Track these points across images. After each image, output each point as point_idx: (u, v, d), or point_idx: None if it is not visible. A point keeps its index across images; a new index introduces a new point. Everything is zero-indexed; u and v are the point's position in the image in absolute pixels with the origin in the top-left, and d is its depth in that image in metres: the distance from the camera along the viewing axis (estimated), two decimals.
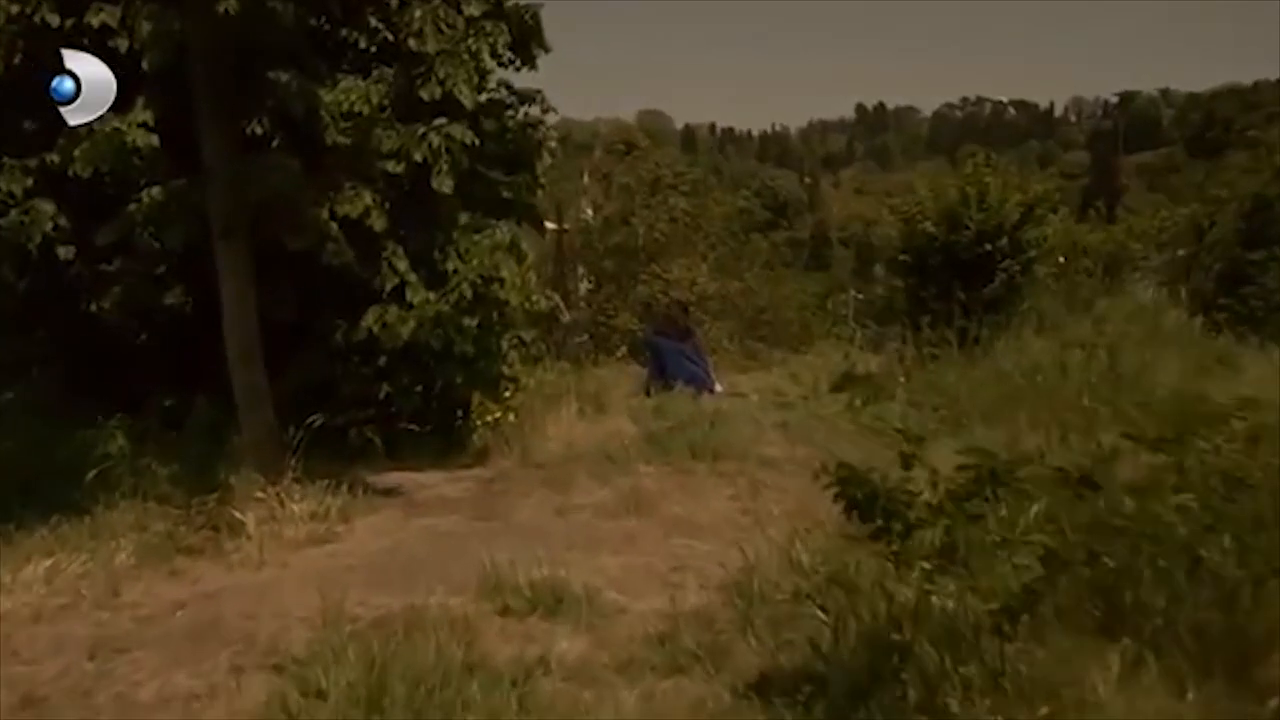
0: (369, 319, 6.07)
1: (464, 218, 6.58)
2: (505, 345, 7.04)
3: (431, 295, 6.20)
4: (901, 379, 6.98)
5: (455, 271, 6.30)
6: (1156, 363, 5.68)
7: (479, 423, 6.06)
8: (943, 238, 7.87)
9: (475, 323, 6.23)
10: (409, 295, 6.21)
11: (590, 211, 23.38)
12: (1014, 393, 5.67)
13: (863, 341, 12.15)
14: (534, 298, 7.27)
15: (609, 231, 22.00)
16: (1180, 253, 13.10)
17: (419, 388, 6.44)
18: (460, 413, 6.30)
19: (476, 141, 6.34)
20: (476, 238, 6.52)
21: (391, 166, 6.22)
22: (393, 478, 5.55)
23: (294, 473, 4.76)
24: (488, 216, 7.07)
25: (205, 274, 5.60)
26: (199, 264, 5.65)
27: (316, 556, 4.20)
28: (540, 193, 7.87)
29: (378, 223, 6.01)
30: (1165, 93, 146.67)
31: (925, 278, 8.00)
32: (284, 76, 5.51)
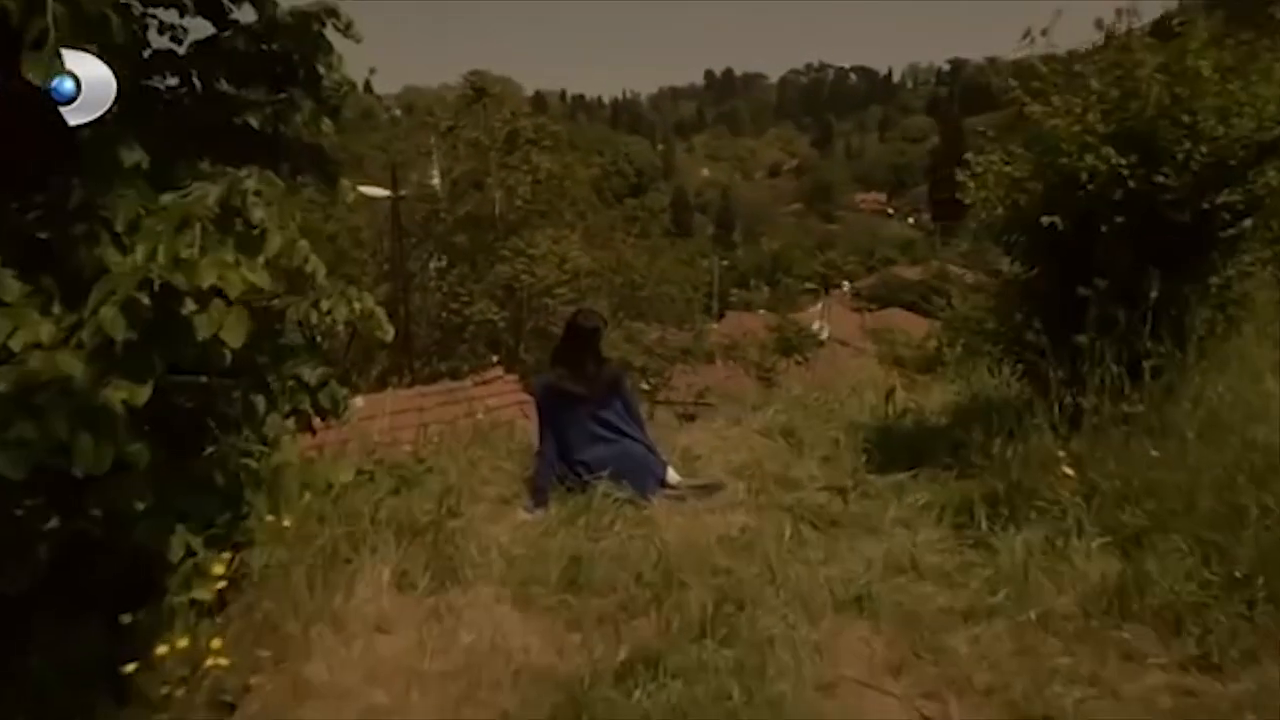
0: None
1: (133, 156, 3.10)
2: (263, 409, 3.67)
3: (47, 330, 2.74)
4: (1067, 466, 3.33)
5: (106, 274, 2.85)
6: None
7: (169, 633, 2.63)
8: (1138, 183, 3.69)
9: (144, 388, 2.77)
10: None
11: (437, 177, 19.65)
12: None
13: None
14: (323, 306, 3.99)
15: (459, 199, 18.38)
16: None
17: (54, 529, 2.95)
18: (144, 589, 2.83)
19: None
20: (166, 200, 3.07)
21: None
22: None
23: None
24: (219, 162, 3.73)
25: None
26: None
27: None
28: (329, 123, 4.47)
29: None
30: (992, 61, 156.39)
31: (1086, 256, 3.84)
32: None
